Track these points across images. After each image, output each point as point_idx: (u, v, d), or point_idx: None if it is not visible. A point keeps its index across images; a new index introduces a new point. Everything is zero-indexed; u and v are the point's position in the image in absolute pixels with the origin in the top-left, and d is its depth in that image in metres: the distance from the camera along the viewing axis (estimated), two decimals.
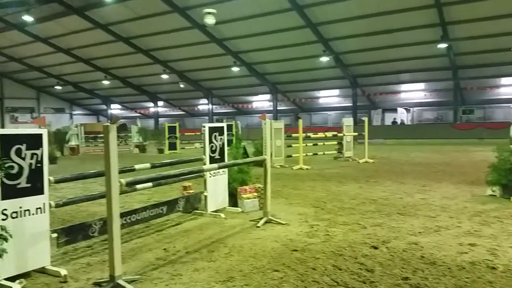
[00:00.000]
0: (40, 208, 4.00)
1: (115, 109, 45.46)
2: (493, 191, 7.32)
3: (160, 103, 41.56)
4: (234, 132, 19.47)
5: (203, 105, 39.97)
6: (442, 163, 13.03)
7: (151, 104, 41.45)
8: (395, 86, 31.30)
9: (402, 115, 34.70)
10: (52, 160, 15.65)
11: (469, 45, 23.81)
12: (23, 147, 3.85)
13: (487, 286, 3.51)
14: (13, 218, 3.77)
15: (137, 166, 5.09)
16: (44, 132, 4.08)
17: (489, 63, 25.20)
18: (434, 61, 25.95)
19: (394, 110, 34.45)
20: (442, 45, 23.03)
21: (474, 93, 29.05)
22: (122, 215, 4.90)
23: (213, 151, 6.39)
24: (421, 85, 30.65)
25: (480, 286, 3.52)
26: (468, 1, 20.01)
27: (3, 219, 3.70)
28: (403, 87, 31.45)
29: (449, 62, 25.65)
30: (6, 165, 3.69)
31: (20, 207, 3.84)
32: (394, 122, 33.49)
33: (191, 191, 6.76)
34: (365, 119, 14.94)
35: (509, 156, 7.17)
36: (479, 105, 30.94)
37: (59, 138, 21.46)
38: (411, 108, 34.56)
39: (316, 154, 14.81)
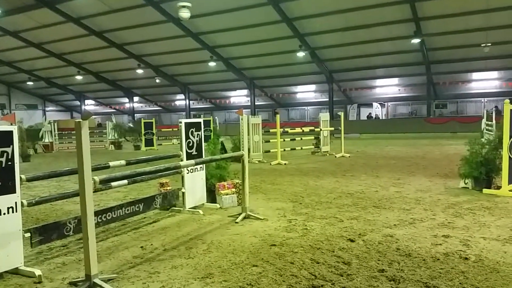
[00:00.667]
0: (11, 207, 3.88)
1: (89, 105, 44.54)
2: (465, 184, 7.52)
3: (136, 98, 40.92)
4: (211, 128, 19.43)
5: (180, 100, 39.58)
6: (416, 157, 13.32)
7: (126, 100, 40.77)
8: (370, 81, 31.74)
9: (377, 110, 35.27)
10: (25, 158, 15.26)
11: (441, 41, 24.32)
12: None
13: (460, 276, 3.61)
14: None
15: (111, 163, 4.99)
16: (14, 129, 3.97)
17: (461, 58, 25.83)
18: (408, 56, 26.42)
19: (370, 105, 34.98)
20: (415, 40, 23.45)
21: (446, 87, 29.74)
22: (97, 213, 4.82)
23: (190, 147, 6.34)
24: (396, 80, 31.18)
25: (453, 276, 3.61)
26: None
27: None
28: (378, 82, 31.93)
29: (422, 57, 26.17)
30: None
31: None
32: (369, 117, 34.00)
33: (168, 188, 6.70)
34: (341, 114, 15.11)
35: (480, 149, 7.38)
36: (452, 100, 31.73)
37: (31, 135, 20.90)
38: (386, 103, 35.13)
39: (294, 149, 14.90)
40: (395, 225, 5.26)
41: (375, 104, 35.01)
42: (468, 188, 7.44)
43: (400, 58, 26.80)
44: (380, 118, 34.43)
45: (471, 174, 7.30)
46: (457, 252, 4.20)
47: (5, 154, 3.82)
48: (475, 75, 28.79)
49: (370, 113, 34.58)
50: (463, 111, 32.15)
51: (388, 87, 32.19)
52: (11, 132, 3.91)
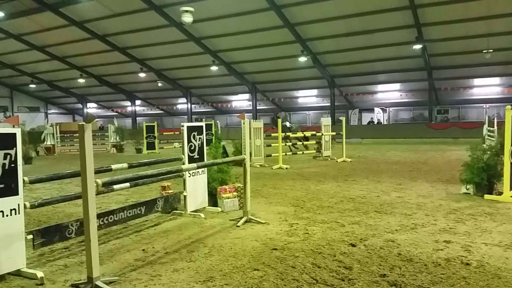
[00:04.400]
0: (14, 209, 3.90)
1: (91, 108, 44.63)
2: (467, 189, 7.52)
3: (138, 102, 40.99)
4: (213, 132, 19.48)
5: (182, 104, 39.63)
6: (418, 162, 13.31)
7: (129, 103, 40.85)
8: (372, 86, 31.76)
9: (378, 115, 35.27)
10: (27, 160, 15.29)
11: (443, 47, 24.36)
12: None
13: (462, 281, 3.61)
14: None
15: (114, 166, 5.01)
16: (17, 131, 3.98)
17: (462, 64, 25.85)
18: (409, 62, 26.46)
19: (371, 110, 34.99)
20: (417, 46, 23.49)
21: (448, 93, 29.75)
22: (99, 216, 4.83)
23: (192, 151, 6.36)
24: (397, 86, 31.19)
25: (454, 282, 3.61)
26: (441, 4, 20.45)
27: None
28: (380, 87, 31.94)
29: (424, 63, 26.20)
30: None
31: None
32: (371, 122, 34.00)
33: (170, 191, 6.71)
34: (343, 118, 15.13)
35: (482, 155, 7.38)
36: (453, 105, 31.72)
37: (34, 137, 20.96)
38: (388, 108, 35.14)
39: (295, 153, 14.90)
40: (396, 230, 5.26)
41: (376, 109, 35.02)
42: (469, 194, 7.43)
43: (401, 63, 26.84)
44: (382, 123, 34.42)
45: (472, 180, 7.29)
46: (458, 257, 4.19)
47: (8, 156, 3.84)
48: (477, 81, 28.79)
49: (371, 118, 34.60)
50: (464, 117, 32.14)
51: (390, 92, 32.21)
52: (14, 135, 3.93)
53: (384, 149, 19.38)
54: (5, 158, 3.81)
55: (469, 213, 6.06)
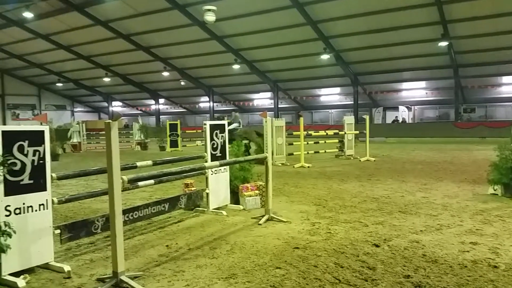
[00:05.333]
0: (43, 204, 4.01)
1: (116, 106, 45.42)
2: (494, 190, 7.32)
3: (161, 100, 41.51)
4: None
5: (204, 102, 39.92)
6: (444, 162, 13.04)
7: (152, 102, 41.40)
8: (396, 84, 31.24)
9: (403, 114, 34.65)
10: (54, 157, 15.67)
11: (469, 43, 23.75)
12: (26, 143, 3.86)
13: (489, 284, 3.52)
14: (16, 214, 3.79)
15: (139, 164, 5.10)
16: (46, 129, 4.09)
17: (490, 62, 25.13)
18: (435, 59, 25.89)
19: (396, 108, 34.41)
20: (443, 43, 22.98)
21: (475, 91, 29.01)
22: (125, 212, 4.91)
23: (214, 149, 6.40)
24: (423, 84, 30.59)
25: (481, 284, 3.52)
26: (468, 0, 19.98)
27: (6, 215, 3.72)
28: (405, 85, 31.39)
29: (450, 61, 25.61)
30: (9, 161, 3.70)
31: (23, 204, 3.85)
32: (395, 121, 33.46)
33: (192, 189, 6.77)
34: (366, 117, 14.94)
35: (511, 155, 7.16)
36: (481, 104, 30.88)
37: (60, 135, 21.49)
38: (413, 107, 34.52)
39: (318, 152, 14.81)
40: (421, 231, 5.17)
41: (401, 108, 34.42)
42: (497, 194, 7.23)
43: (427, 61, 26.30)
44: (407, 121, 33.84)
45: (500, 181, 7.10)
46: (485, 260, 4.09)
47: (37, 153, 3.95)
48: (506, 79, 27.94)
49: (396, 117, 34.02)
50: (492, 116, 31.25)
51: (415, 90, 31.62)
52: (43, 132, 4.04)
53: (408, 149, 19.06)
54: (34, 155, 3.92)
55: (497, 215, 5.90)
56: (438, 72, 27.51)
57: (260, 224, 5.61)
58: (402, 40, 24.13)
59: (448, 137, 25.00)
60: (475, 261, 4.06)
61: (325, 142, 15.66)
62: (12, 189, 3.76)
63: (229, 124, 15.85)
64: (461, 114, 29.88)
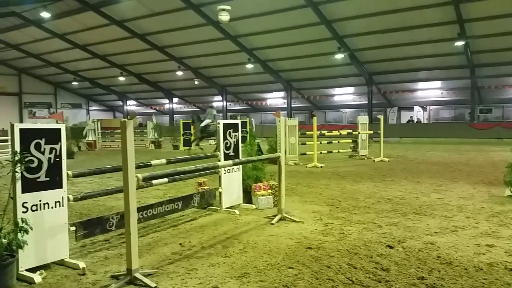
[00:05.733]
0: (58, 201, 4.07)
1: (131, 105, 45.83)
2: (511, 192, 7.19)
3: (175, 99, 41.77)
4: (248, 129, 19.56)
5: (218, 102, 40.05)
6: (459, 163, 12.86)
7: (166, 101, 41.69)
8: (411, 84, 30.88)
9: (418, 114, 34.26)
10: (69, 155, 15.91)
11: (486, 43, 23.35)
12: (42, 141, 3.92)
13: None
14: (33, 211, 3.86)
15: (153, 162, 5.14)
16: (62, 127, 4.15)
17: (508, 62, 24.67)
18: (451, 59, 25.52)
19: (411, 108, 34.04)
20: (459, 43, 22.64)
21: (492, 92, 28.51)
22: (139, 209, 4.96)
23: (227, 148, 6.42)
24: (438, 83, 30.19)
25: (498, 287, 3.47)
26: None
27: (23, 212, 3.79)
28: (420, 85, 31.01)
29: (466, 60, 25.21)
30: (26, 159, 3.76)
31: (40, 200, 3.92)
32: (410, 121, 33.10)
33: (205, 187, 6.80)
34: (381, 117, 14.82)
35: None
36: (497, 104, 30.37)
37: (76, 133, 21.79)
38: (428, 107, 34.09)
39: (331, 152, 14.74)
40: (436, 232, 5.11)
41: (416, 108, 34.03)
42: None
43: (442, 60, 25.95)
44: (422, 122, 33.43)
45: None
46: (502, 262, 4.03)
47: (53, 151, 4.01)
48: None
49: (411, 117, 33.64)
50: (509, 117, 30.70)
51: (430, 90, 31.22)
52: (59, 130, 4.10)
53: (423, 149, 18.84)
54: (50, 152, 3.98)
55: None
56: (454, 72, 27.12)
57: (272, 224, 5.61)
58: (418, 40, 23.85)
59: (464, 138, 24.64)
60: (491, 263, 4.00)
61: (338, 142, 15.59)
62: (29, 186, 3.83)
63: (202, 121, 15.84)
64: (479, 115, 29.38)
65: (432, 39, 23.57)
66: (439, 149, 18.59)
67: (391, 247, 4.53)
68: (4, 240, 3.59)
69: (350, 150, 15.03)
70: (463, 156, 15.00)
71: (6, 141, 14.45)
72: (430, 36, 23.31)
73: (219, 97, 38.42)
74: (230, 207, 6.43)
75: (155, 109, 44.02)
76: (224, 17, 19.04)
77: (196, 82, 35.79)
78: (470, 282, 3.57)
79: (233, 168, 6.51)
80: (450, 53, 24.49)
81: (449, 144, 21.98)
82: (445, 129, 27.75)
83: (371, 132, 15.12)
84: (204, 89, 37.67)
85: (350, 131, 15.24)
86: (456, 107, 32.77)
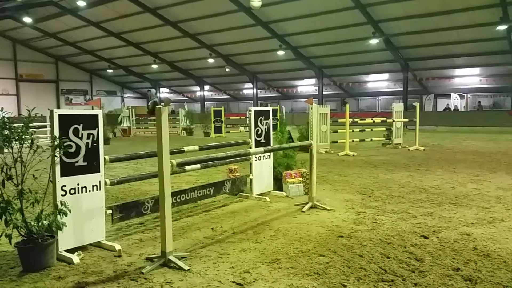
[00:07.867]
0: (96, 185, 4.20)
1: (163, 93, 46.50)
2: None
3: (206, 87, 42.06)
4: (278, 117, 19.51)
5: (248, 89, 40.04)
6: (498, 153, 12.38)
7: (198, 88, 42.05)
8: (448, 70, 29.80)
9: (455, 101, 33.10)
10: (105, 141, 16.31)
11: None
12: (80, 127, 4.04)
13: None
14: (71, 194, 4.00)
15: (186, 148, 5.21)
16: (99, 113, 4.25)
17: None
18: (491, 44, 24.39)
19: (447, 95, 32.91)
20: (502, 27, 21.60)
21: None
22: (173, 194, 5.05)
23: (258, 135, 6.42)
24: (477, 70, 29.01)
25: None
26: None
27: (62, 195, 3.93)
28: (457, 71, 29.89)
29: (508, 46, 24.06)
30: (65, 144, 3.88)
31: (78, 184, 4.05)
32: (447, 109, 32.05)
33: (236, 174, 6.85)
34: (417, 104, 14.43)
35: None
36: None
37: (111, 120, 22.36)
38: (466, 94, 32.87)
39: (363, 140, 14.51)
40: (472, 223, 4.96)
41: (453, 95, 32.87)
42: None
43: (482, 46, 24.82)
44: (459, 110, 32.32)
45: None
46: None
47: (91, 136, 4.13)
48: None
49: (448, 105, 32.54)
50: None
51: (468, 77, 30.05)
52: (97, 116, 4.21)
53: (460, 138, 18.25)
54: (88, 138, 4.10)
55: None
56: (494, 58, 25.92)
57: (303, 211, 5.60)
58: (456, 24, 22.90)
59: (503, 127, 23.67)
60: None
61: (371, 130, 15.31)
62: (67, 170, 3.97)
63: (153, 100, 15.50)
64: None
65: (472, 24, 22.58)
66: (477, 138, 17.94)
67: (425, 238, 4.44)
68: (45, 222, 3.75)
69: (384, 138, 14.74)
70: (502, 146, 14.43)
71: (45, 126, 14.99)
72: (470, 21, 22.33)
73: (250, 85, 38.40)
74: (261, 194, 6.46)
75: (187, 96, 44.50)
76: (256, 2, 18.88)
77: (227, 70, 35.85)
78: (510, 275, 3.45)
79: (264, 155, 6.51)
80: (491, 38, 23.40)
81: (488, 133, 21.18)
82: (483, 117, 26.70)
83: (406, 120, 14.76)
84: (235, 76, 37.70)
85: (384, 118, 14.91)
86: (495, 95, 31.45)
